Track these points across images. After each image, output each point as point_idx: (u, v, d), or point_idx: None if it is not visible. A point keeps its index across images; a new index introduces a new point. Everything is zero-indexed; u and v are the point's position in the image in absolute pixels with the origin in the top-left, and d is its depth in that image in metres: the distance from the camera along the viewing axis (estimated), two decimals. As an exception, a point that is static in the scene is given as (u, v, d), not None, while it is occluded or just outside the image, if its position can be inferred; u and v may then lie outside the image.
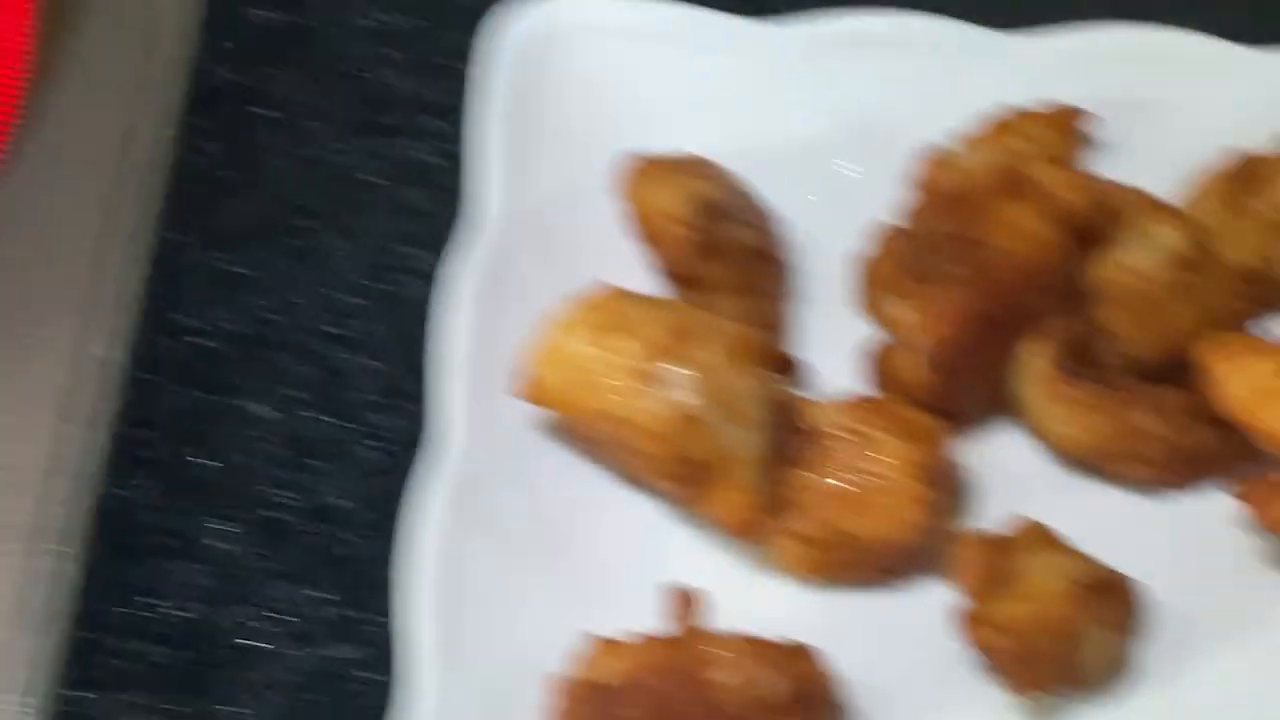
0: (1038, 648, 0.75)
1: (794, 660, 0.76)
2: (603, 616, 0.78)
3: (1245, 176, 0.87)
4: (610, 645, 0.77)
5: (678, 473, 0.79)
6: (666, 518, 0.83)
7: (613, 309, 0.80)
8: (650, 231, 0.85)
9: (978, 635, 0.76)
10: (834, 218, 0.89)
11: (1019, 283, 0.81)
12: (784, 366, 0.84)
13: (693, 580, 0.79)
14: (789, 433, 0.81)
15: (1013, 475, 0.84)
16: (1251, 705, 0.78)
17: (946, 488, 0.80)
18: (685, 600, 0.78)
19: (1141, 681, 0.78)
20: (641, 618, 0.78)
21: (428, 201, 0.94)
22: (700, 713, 0.74)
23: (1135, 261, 0.83)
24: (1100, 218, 0.84)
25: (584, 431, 0.81)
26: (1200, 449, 0.82)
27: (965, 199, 0.81)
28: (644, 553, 0.82)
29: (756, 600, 0.81)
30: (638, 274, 0.85)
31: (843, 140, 0.92)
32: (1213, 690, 0.78)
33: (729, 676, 0.75)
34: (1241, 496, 0.79)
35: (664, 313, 0.80)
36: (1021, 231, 0.80)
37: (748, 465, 0.80)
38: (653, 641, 0.76)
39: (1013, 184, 0.81)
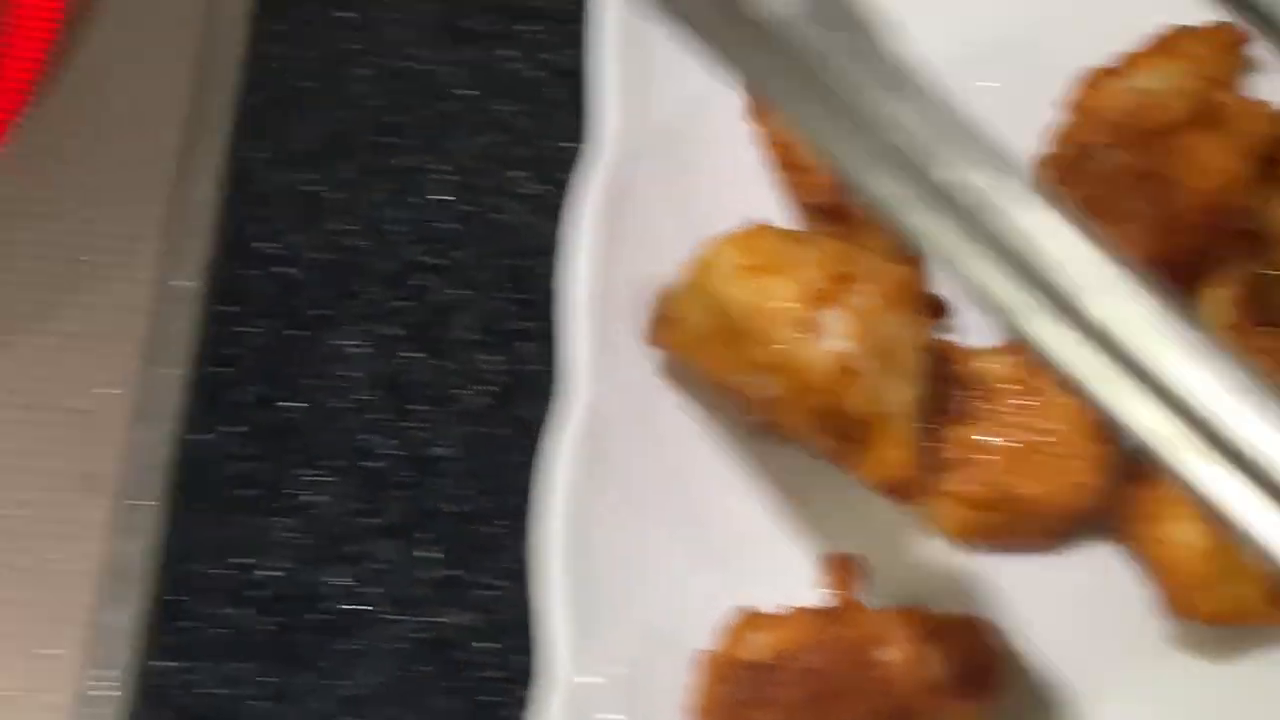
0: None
1: (963, 634, 0.69)
2: (746, 585, 0.71)
3: None
4: (758, 618, 0.69)
5: (833, 429, 0.71)
6: (812, 477, 0.75)
7: (764, 247, 0.72)
8: (790, 158, 0.76)
9: None
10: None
11: (1206, 223, 0.73)
12: (936, 310, 0.77)
13: (841, 546, 0.72)
14: (946, 384, 0.74)
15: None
16: None
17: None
18: (844, 568, 0.70)
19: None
20: (789, 587, 0.71)
21: (523, 117, 0.86)
22: (863, 694, 0.67)
23: (1327, 200, 0.76)
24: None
25: (722, 381, 0.74)
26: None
27: (1146, 128, 0.74)
28: (789, 516, 0.75)
29: (911, 567, 0.74)
30: (772, 203, 0.76)
31: (982, 57, 0.84)
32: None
33: (893, 654, 0.68)
34: None
35: (820, 252, 0.72)
36: (1212, 167, 0.73)
37: (906, 420, 0.73)
38: (805, 614, 0.69)
39: (1206, 114, 0.73)
